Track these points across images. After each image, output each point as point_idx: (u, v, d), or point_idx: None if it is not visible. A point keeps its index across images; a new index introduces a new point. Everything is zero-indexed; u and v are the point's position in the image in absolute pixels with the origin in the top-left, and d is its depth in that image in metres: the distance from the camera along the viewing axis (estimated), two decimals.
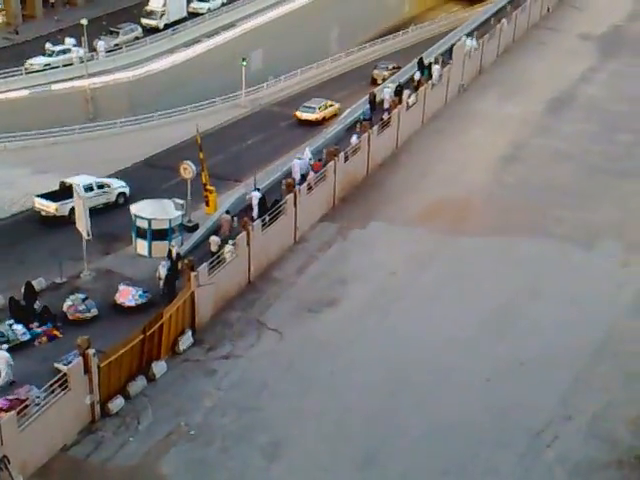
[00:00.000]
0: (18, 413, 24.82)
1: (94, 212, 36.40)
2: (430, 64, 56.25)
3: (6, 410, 25.18)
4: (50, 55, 57.65)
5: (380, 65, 64.13)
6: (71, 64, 56.90)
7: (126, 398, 28.91)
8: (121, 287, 33.02)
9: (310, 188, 40.95)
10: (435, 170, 47.80)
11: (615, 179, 47.47)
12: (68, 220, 37.91)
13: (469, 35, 62.48)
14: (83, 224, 33.71)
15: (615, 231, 41.76)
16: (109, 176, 44.03)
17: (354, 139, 45.62)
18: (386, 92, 52.19)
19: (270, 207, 38.41)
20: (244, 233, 35.66)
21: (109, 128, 53.04)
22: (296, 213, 39.57)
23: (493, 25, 65.54)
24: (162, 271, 33.34)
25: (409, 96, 51.49)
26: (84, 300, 32.02)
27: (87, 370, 27.19)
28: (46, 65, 56.74)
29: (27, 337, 30.03)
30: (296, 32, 68.60)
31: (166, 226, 36.54)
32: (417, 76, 54.80)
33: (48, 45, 58.51)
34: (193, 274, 32.38)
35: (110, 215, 40.61)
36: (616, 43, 70.73)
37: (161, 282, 33.22)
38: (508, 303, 35.58)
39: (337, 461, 27.02)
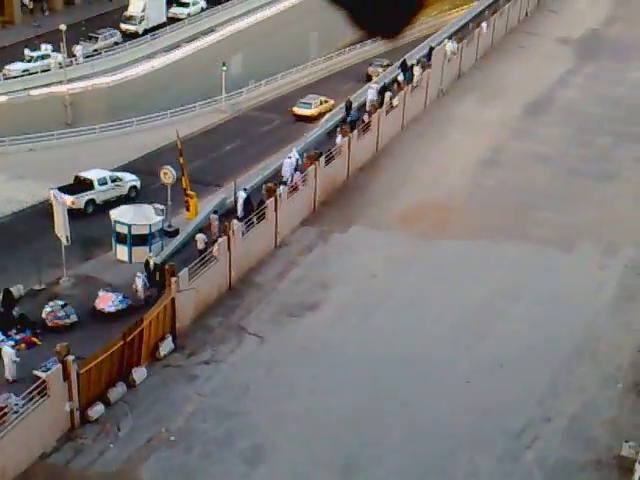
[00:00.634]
0: None
1: (108, 204, 40.56)
2: (412, 66, 56.55)
3: None
4: (29, 61, 57.42)
5: (375, 62, 65.35)
6: (49, 70, 56.72)
7: (106, 404, 28.78)
8: (101, 293, 32.85)
9: (295, 189, 41.15)
10: (415, 174, 48.00)
11: (593, 181, 47.87)
12: (84, 212, 40.95)
13: (449, 39, 62.82)
14: (62, 230, 33.57)
15: (593, 233, 42.10)
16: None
17: (339, 140, 45.91)
18: (370, 93, 52.37)
19: (257, 207, 38.58)
20: (225, 238, 35.67)
21: (88, 134, 52.83)
22: (277, 218, 39.63)
23: (472, 29, 65.89)
24: (139, 282, 33.01)
25: (391, 98, 51.69)
26: (63, 306, 31.83)
27: (66, 377, 27.07)
28: (24, 71, 56.48)
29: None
30: (276, 37, 68.70)
31: (146, 231, 36.47)
32: (400, 78, 55.06)
33: (27, 51, 58.26)
34: (173, 279, 32.30)
35: (90, 220, 40.50)
36: (593, 47, 71.32)
37: (138, 294, 32.97)
38: (488, 305, 35.79)
39: (319, 466, 27.06)
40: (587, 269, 39.16)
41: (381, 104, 50.79)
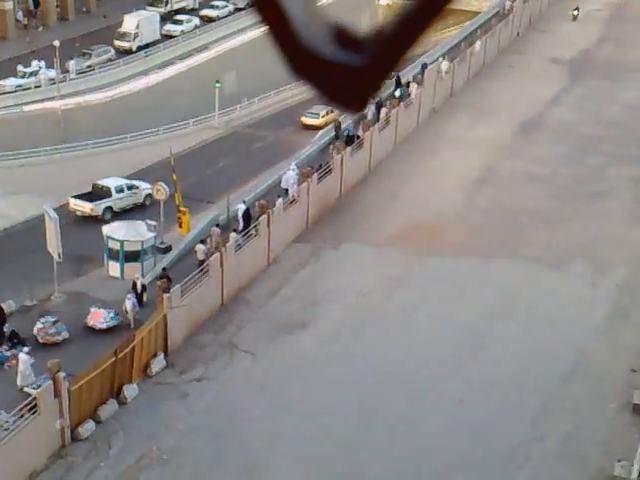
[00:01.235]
0: None
1: (123, 213, 42.17)
2: (408, 83, 56.73)
3: None
4: (22, 77, 57.48)
5: None
6: (40, 86, 56.76)
7: (97, 422, 28.57)
8: (92, 309, 32.74)
9: (293, 201, 41.49)
10: (407, 192, 48.08)
11: (586, 201, 48.02)
12: (102, 219, 41.38)
13: (443, 57, 63.12)
14: (54, 245, 33.46)
15: (586, 253, 42.17)
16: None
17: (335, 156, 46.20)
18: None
19: (256, 219, 38.69)
20: (217, 255, 35.61)
21: (81, 149, 52.78)
22: (269, 234, 39.61)
23: (464, 49, 66.26)
24: (128, 304, 32.72)
25: (387, 114, 51.84)
26: (54, 323, 31.68)
27: (57, 394, 26.89)
28: (18, 86, 56.53)
29: None
30: (270, 55, 68.55)
31: (139, 248, 36.39)
32: (397, 93, 55.21)
33: (20, 67, 58.32)
34: (166, 296, 32.20)
35: (82, 235, 40.39)
36: (585, 67, 71.78)
37: (128, 315, 32.74)
38: (479, 324, 35.76)
39: None
40: (579, 288, 39.20)
41: (377, 120, 50.97)
